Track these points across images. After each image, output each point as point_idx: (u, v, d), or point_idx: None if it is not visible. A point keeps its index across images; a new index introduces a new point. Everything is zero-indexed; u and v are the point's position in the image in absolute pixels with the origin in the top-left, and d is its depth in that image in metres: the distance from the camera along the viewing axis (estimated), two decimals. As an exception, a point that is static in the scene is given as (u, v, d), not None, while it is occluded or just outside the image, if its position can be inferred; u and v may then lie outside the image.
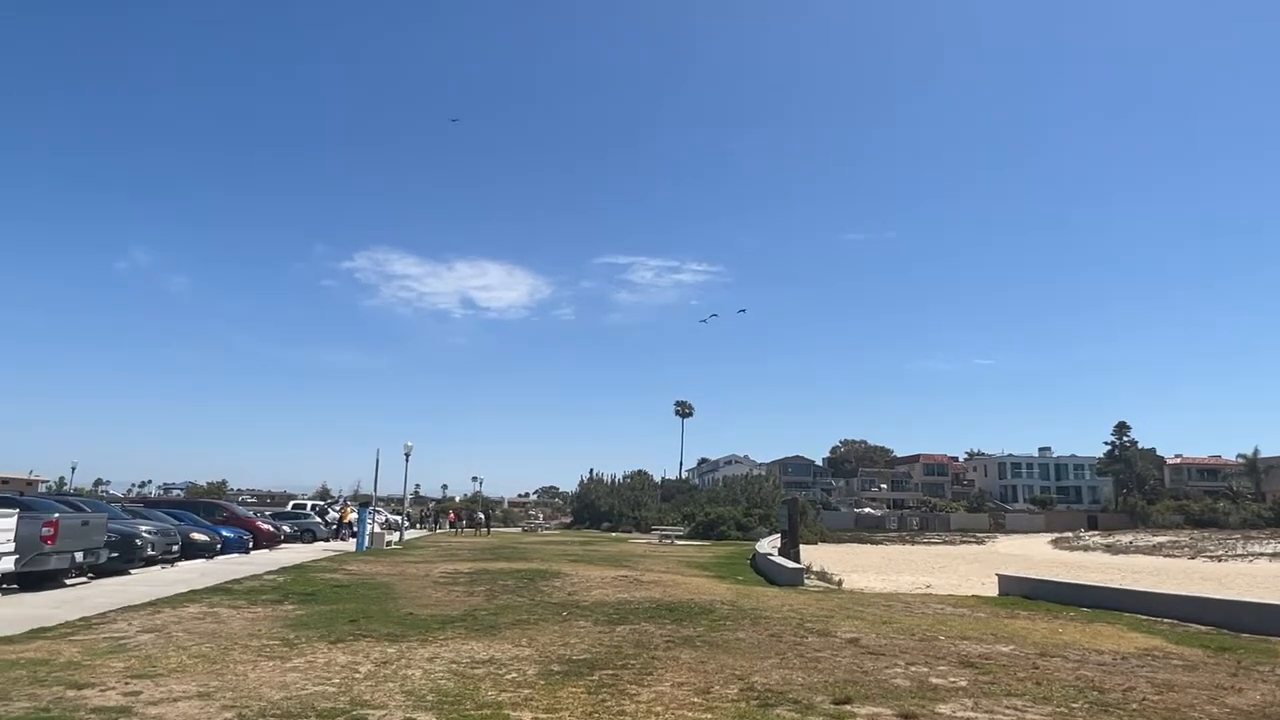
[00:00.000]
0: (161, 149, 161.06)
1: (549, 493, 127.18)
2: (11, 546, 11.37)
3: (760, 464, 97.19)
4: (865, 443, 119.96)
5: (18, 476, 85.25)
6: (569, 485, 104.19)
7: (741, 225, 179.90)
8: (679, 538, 45.22)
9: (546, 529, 67.14)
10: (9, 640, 7.97)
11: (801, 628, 9.99)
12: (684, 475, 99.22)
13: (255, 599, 12.12)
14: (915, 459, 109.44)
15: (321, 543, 31.65)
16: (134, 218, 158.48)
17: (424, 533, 49.55)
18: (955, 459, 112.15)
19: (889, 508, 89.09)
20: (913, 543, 58.53)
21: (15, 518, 11.62)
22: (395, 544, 31.32)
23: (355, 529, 29.37)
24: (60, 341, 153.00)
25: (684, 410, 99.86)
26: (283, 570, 17.58)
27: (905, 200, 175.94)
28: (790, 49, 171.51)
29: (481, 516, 58.88)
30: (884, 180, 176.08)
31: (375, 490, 39.39)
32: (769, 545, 29.17)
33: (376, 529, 28.83)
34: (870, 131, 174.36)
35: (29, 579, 12.50)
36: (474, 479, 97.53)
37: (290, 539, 29.62)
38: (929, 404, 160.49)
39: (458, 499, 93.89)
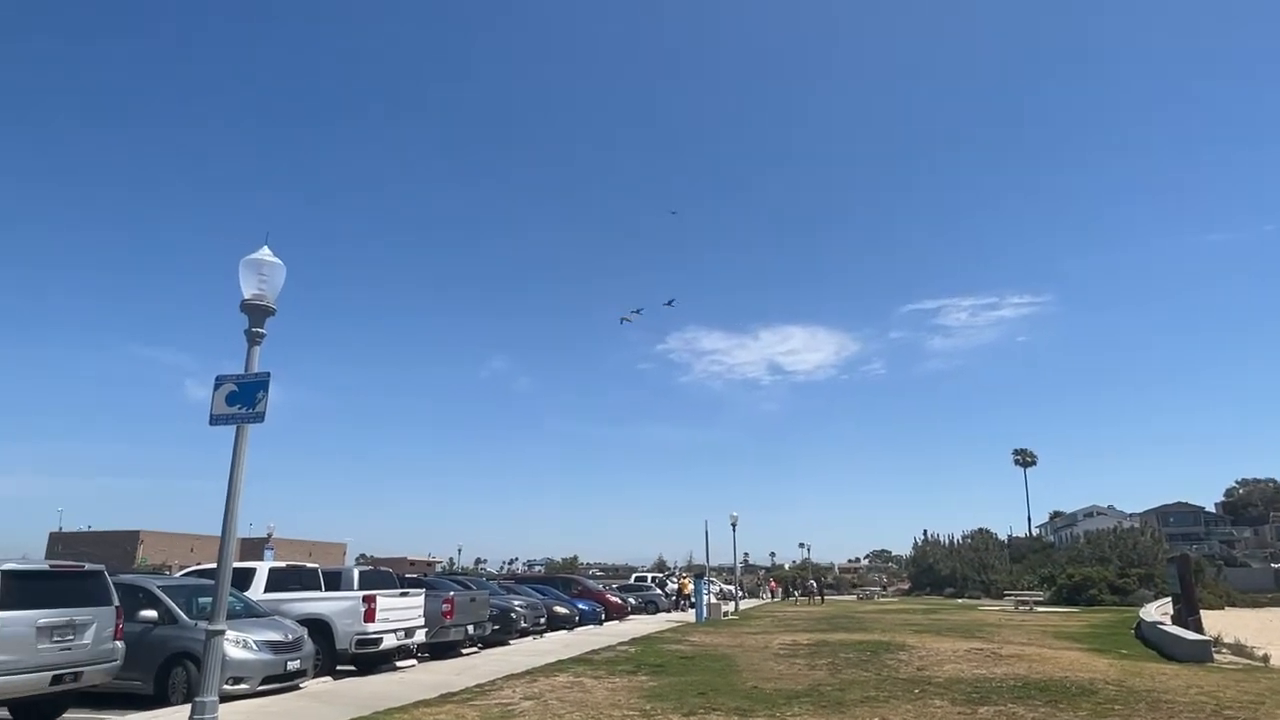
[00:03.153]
0: (505, 267, 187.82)
1: (880, 557, 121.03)
2: (422, 621, 13.64)
3: (1130, 514, 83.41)
4: (1273, 482, 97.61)
5: (421, 559, 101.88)
6: (900, 548, 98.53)
7: (1064, 244, 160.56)
8: (1038, 603, 40.22)
9: (883, 596, 63.76)
10: (427, 703, 9.44)
11: (1219, 716, 8.25)
12: (1034, 531, 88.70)
13: (613, 669, 13.03)
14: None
15: (663, 614, 33.24)
16: (493, 332, 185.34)
17: (757, 602, 49.80)
18: None
19: (1323, 561, 71.02)
20: (1368, 605, 45.94)
21: (423, 597, 13.96)
22: (731, 614, 31.91)
23: (693, 600, 30.44)
24: (443, 440, 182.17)
25: (1025, 459, 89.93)
26: (633, 641, 18.74)
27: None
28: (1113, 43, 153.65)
29: (814, 584, 57.72)
30: (1250, 166, 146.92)
31: (707, 560, 40.75)
32: (1157, 611, 24.79)
33: (712, 599, 29.65)
34: (1220, 112, 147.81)
35: (435, 649, 14.88)
36: (801, 545, 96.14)
37: (635, 610, 31.59)
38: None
39: (786, 566, 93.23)
